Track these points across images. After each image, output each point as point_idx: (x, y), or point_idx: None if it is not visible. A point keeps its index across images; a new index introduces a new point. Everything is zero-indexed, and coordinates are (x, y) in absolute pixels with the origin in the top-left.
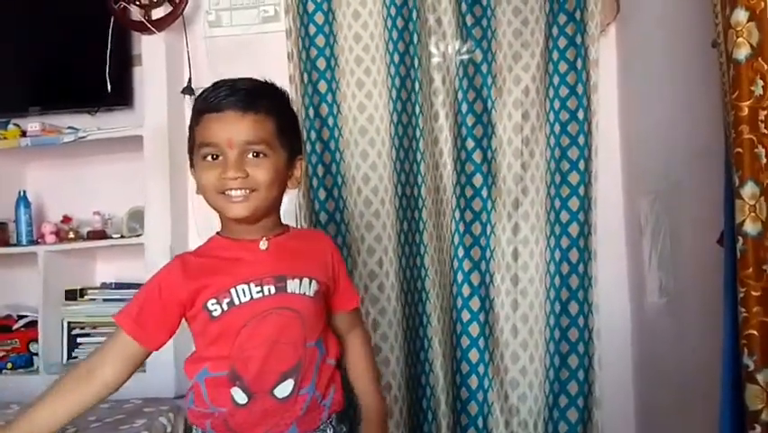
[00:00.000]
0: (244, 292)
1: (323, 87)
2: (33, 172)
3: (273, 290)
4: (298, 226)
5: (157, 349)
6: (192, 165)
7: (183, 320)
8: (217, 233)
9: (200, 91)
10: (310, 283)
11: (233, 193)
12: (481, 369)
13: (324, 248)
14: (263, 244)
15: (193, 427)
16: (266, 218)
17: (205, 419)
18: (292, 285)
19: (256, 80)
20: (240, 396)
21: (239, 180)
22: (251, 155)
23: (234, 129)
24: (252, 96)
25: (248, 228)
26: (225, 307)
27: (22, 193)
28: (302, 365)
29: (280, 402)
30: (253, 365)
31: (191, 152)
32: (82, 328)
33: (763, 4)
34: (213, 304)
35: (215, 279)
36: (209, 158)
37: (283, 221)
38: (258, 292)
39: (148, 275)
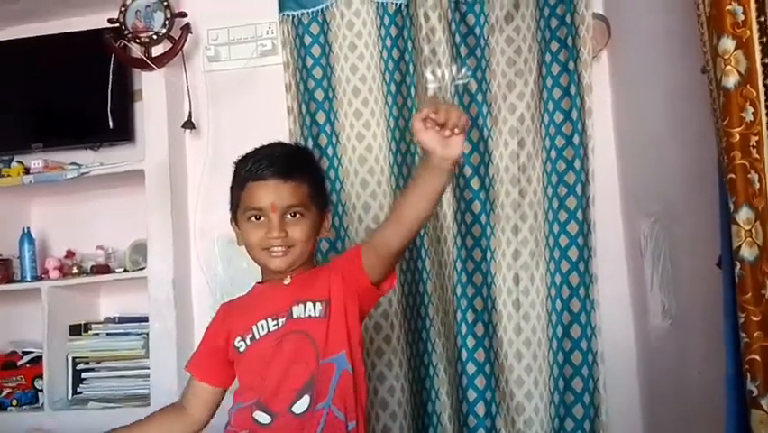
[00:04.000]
0: (263, 327)
1: (321, 117)
2: (37, 208)
3: (284, 320)
4: None
5: (229, 386)
6: (235, 220)
7: None
8: (257, 282)
9: (241, 157)
10: (314, 305)
11: (275, 250)
12: (489, 395)
13: (322, 271)
14: (287, 280)
15: None
16: (301, 266)
17: None
18: (297, 310)
19: (288, 146)
20: (262, 418)
21: (280, 240)
22: (289, 216)
23: (276, 195)
24: (290, 164)
25: (283, 274)
26: (248, 342)
27: (26, 230)
28: (316, 381)
29: (298, 418)
30: (271, 388)
31: (235, 210)
32: (87, 363)
33: (749, 32)
34: (239, 341)
35: (242, 319)
36: (253, 219)
37: None
38: (273, 325)
39: (151, 308)
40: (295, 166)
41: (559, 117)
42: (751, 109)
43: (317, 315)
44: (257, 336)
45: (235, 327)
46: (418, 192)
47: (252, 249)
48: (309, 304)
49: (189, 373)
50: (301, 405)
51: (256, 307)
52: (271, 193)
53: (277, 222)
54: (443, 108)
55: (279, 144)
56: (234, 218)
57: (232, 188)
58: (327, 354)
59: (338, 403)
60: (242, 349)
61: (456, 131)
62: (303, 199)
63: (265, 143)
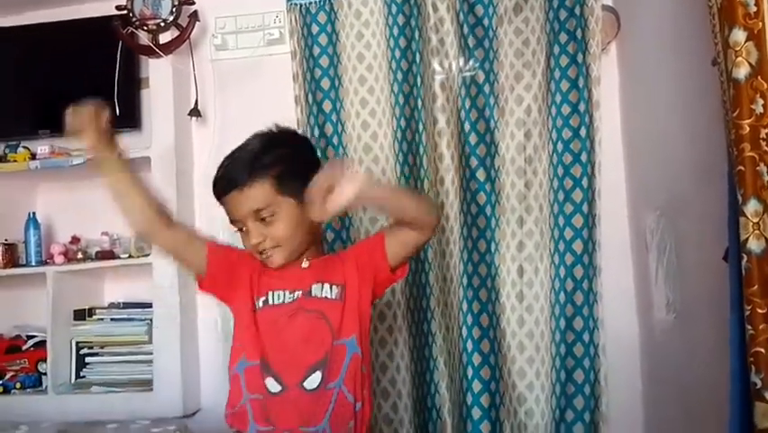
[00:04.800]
0: (278, 297)
1: (327, 106)
2: (43, 194)
3: (300, 295)
4: None
5: (201, 276)
6: None
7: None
8: None
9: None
10: (331, 288)
11: (263, 254)
12: (493, 386)
13: (336, 258)
14: (305, 263)
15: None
16: (307, 252)
17: (246, 417)
18: (315, 289)
19: (249, 143)
20: (273, 385)
21: (260, 244)
22: (261, 219)
23: (239, 206)
24: (242, 171)
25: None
26: (261, 304)
27: (31, 215)
28: (329, 360)
29: (310, 394)
30: (282, 360)
31: None
32: (90, 348)
33: (761, 24)
34: (256, 298)
35: (263, 280)
36: (239, 230)
37: None
38: (289, 298)
39: (155, 294)
40: (249, 170)
41: (566, 109)
42: (761, 101)
43: (333, 297)
44: (270, 303)
45: (258, 284)
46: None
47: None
48: (327, 285)
49: (207, 244)
50: (312, 381)
51: (274, 275)
52: (234, 206)
53: (251, 231)
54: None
55: (237, 149)
56: None
57: None
58: (340, 335)
59: (348, 385)
60: (259, 305)
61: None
62: (268, 199)
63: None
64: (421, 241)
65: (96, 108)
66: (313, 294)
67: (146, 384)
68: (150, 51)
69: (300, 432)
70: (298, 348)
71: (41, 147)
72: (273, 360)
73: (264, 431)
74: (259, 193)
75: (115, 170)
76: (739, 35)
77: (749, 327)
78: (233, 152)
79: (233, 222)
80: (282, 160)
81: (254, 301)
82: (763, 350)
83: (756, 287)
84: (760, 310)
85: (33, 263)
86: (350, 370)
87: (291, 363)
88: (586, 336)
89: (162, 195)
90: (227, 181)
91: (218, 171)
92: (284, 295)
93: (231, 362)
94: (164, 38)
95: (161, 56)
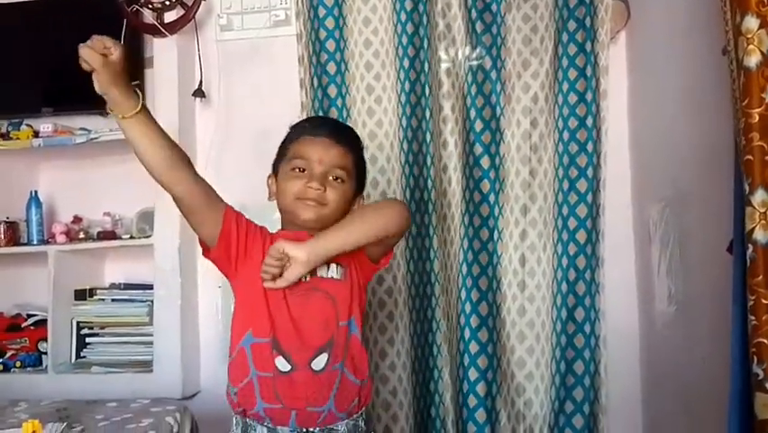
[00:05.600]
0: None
1: (332, 91)
2: (45, 172)
3: (308, 276)
4: None
5: (210, 240)
6: (275, 171)
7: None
8: (281, 229)
9: (303, 119)
10: (337, 268)
11: (309, 201)
12: (490, 375)
13: None
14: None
15: (235, 417)
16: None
17: (253, 396)
18: (321, 270)
19: (339, 122)
20: (283, 364)
21: (318, 193)
22: (331, 177)
23: (326, 152)
24: (343, 131)
25: (304, 229)
26: None
27: (33, 193)
28: (334, 342)
29: (317, 374)
30: (290, 339)
31: (278, 162)
32: (91, 328)
33: None
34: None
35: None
36: (297, 170)
37: None
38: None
39: (157, 275)
40: (347, 135)
41: (573, 98)
42: None
43: (339, 277)
44: None
45: (259, 263)
46: None
47: (287, 197)
48: (333, 265)
49: (226, 206)
50: (319, 362)
51: None
52: (322, 149)
53: (320, 175)
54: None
55: (332, 119)
56: (275, 170)
57: (283, 144)
58: (344, 317)
59: (349, 366)
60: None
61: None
62: (347, 166)
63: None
64: (396, 239)
65: (109, 43)
66: (318, 274)
67: (146, 366)
68: (154, 30)
69: (307, 412)
70: (308, 329)
71: (44, 125)
72: (283, 338)
73: (272, 408)
74: (346, 156)
75: (130, 109)
76: (752, 23)
77: (752, 318)
78: (329, 117)
79: (300, 158)
80: (361, 150)
81: (262, 278)
82: (765, 341)
83: (761, 277)
84: (764, 301)
85: (35, 242)
86: (350, 350)
87: (301, 342)
88: (587, 327)
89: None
90: (329, 128)
91: (316, 118)
92: None
93: (234, 336)
94: (169, 17)
95: (166, 35)
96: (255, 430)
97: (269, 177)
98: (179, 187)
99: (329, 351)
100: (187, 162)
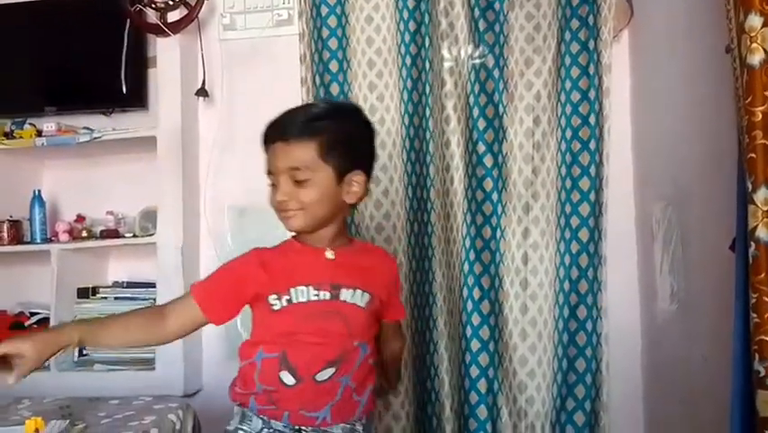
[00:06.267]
0: (303, 293)
1: (335, 89)
2: (48, 171)
3: (328, 296)
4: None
5: (217, 324)
6: None
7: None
8: (293, 237)
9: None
10: (362, 295)
11: (285, 212)
12: (491, 372)
13: (388, 268)
14: (330, 254)
15: (235, 407)
16: (325, 229)
17: (249, 396)
18: (345, 294)
19: (307, 106)
20: (288, 378)
21: (284, 203)
22: (293, 180)
23: (277, 157)
24: (294, 125)
25: (312, 237)
26: (285, 303)
27: (36, 192)
28: (344, 359)
29: (319, 384)
30: (300, 355)
31: None
32: None
33: None
34: (274, 299)
35: (282, 277)
36: (271, 184)
37: None
38: (314, 295)
39: (159, 274)
40: (300, 126)
41: (576, 96)
42: None
43: (362, 305)
44: (294, 300)
45: (272, 283)
46: None
47: (274, 211)
48: (359, 292)
49: (194, 296)
50: (324, 374)
51: (295, 269)
52: (274, 156)
53: (281, 185)
54: None
55: (300, 106)
56: None
57: None
58: (356, 338)
59: (356, 380)
60: (276, 307)
61: None
62: (307, 160)
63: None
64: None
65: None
66: (341, 299)
67: (148, 364)
68: (157, 30)
69: (300, 415)
70: (318, 347)
71: (48, 124)
72: (292, 355)
73: (264, 409)
74: (301, 152)
75: (71, 343)
76: (755, 21)
77: (754, 315)
78: (295, 107)
79: (269, 173)
80: (338, 130)
81: (270, 302)
82: (767, 338)
83: (763, 275)
84: (767, 298)
85: (38, 241)
86: (360, 367)
87: (309, 359)
88: (589, 325)
89: (168, 182)
90: (276, 130)
91: (274, 118)
92: (308, 292)
93: (246, 352)
94: (172, 16)
95: (169, 35)
96: (251, 421)
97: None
98: (171, 337)
99: (337, 366)
100: (155, 318)
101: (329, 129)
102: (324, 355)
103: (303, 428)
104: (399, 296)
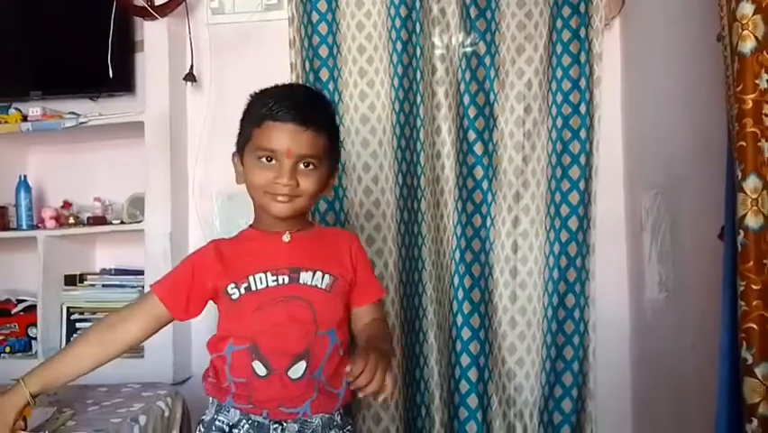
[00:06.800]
0: (261, 280)
1: (324, 74)
2: (34, 157)
3: (287, 280)
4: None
5: (181, 319)
6: (240, 155)
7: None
8: (250, 225)
9: (260, 92)
10: (323, 277)
11: (280, 196)
12: (482, 361)
13: (343, 245)
14: (286, 237)
15: (211, 398)
16: (298, 222)
17: (227, 392)
18: (305, 276)
19: (311, 91)
20: (260, 369)
21: (289, 187)
22: (302, 165)
23: (294, 141)
24: (311, 112)
25: (278, 222)
26: (242, 291)
27: (22, 178)
28: (312, 351)
29: (294, 382)
30: (269, 344)
31: (243, 145)
32: (81, 314)
33: None
34: (232, 288)
35: (238, 266)
36: (264, 159)
37: None
38: (273, 281)
39: (147, 261)
40: (316, 114)
41: (567, 85)
42: (765, 76)
43: (323, 287)
44: (253, 288)
45: (228, 272)
46: None
47: (255, 190)
48: (319, 273)
49: (156, 293)
50: (297, 370)
51: (252, 255)
52: (289, 138)
53: (289, 169)
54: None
55: (302, 87)
56: (240, 153)
57: (244, 121)
58: (323, 327)
59: (326, 373)
60: (234, 297)
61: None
62: (319, 151)
63: (285, 84)
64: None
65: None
66: (302, 281)
67: (137, 351)
68: (145, 13)
69: (279, 411)
70: (287, 335)
71: (33, 109)
72: (262, 344)
73: (243, 408)
74: (317, 141)
75: (41, 387)
76: (747, 8)
77: (742, 303)
78: (297, 86)
79: (266, 150)
80: (333, 121)
81: (229, 292)
82: (755, 326)
83: (752, 263)
84: (755, 286)
85: (24, 227)
86: (330, 359)
87: (279, 348)
88: (577, 313)
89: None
90: (296, 111)
91: (280, 94)
92: (266, 278)
93: (215, 346)
94: (159, 0)
95: (157, 18)
96: (228, 412)
97: (233, 155)
98: (135, 341)
99: (306, 359)
100: (115, 325)
101: (333, 123)
102: (289, 348)
103: (284, 421)
104: (372, 273)
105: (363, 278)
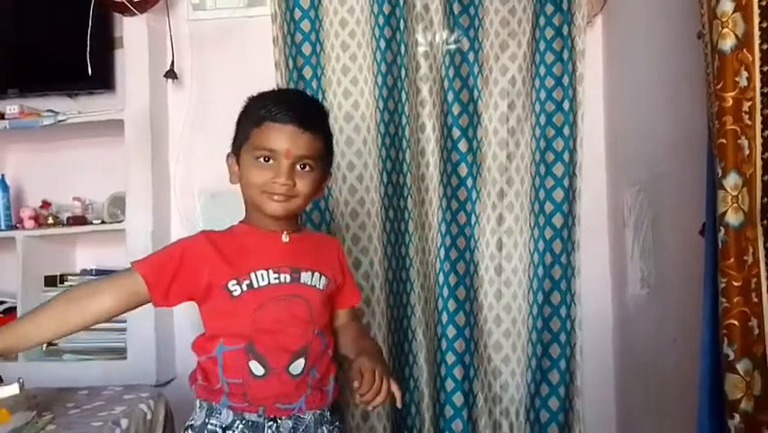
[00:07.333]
0: (263, 277)
1: (308, 72)
2: (12, 156)
3: (288, 279)
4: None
5: (157, 304)
6: (235, 154)
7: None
8: (241, 221)
9: (258, 95)
10: (320, 277)
11: (277, 195)
12: (467, 359)
13: (333, 249)
14: (285, 237)
15: (199, 400)
16: (292, 223)
17: (220, 393)
18: (305, 276)
19: (308, 97)
20: (257, 368)
21: (286, 187)
22: (299, 167)
23: (293, 142)
24: (310, 115)
25: (273, 222)
26: (245, 288)
27: (0, 177)
28: (309, 348)
29: (294, 378)
30: (268, 343)
31: (240, 145)
32: None
33: None
34: (233, 285)
35: (238, 261)
36: (262, 159)
37: None
38: (275, 279)
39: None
40: (314, 118)
41: (550, 82)
42: (745, 74)
43: (320, 287)
44: (255, 285)
45: (229, 267)
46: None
47: (251, 189)
48: (317, 274)
49: (138, 270)
50: (297, 367)
51: (250, 252)
52: (288, 139)
53: (287, 169)
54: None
55: (299, 92)
56: (236, 153)
57: (241, 122)
58: (318, 325)
59: (320, 371)
60: (236, 293)
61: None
62: (316, 153)
63: (282, 88)
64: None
65: None
66: (302, 281)
67: (119, 352)
68: (124, 9)
69: (275, 408)
70: (285, 332)
71: (10, 107)
72: (259, 342)
73: (238, 406)
74: (314, 144)
75: (7, 344)
76: (727, 6)
77: (723, 300)
78: (295, 92)
79: (264, 149)
80: (328, 126)
81: (230, 289)
82: (736, 322)
83: (732, 260)
84: (735, 283)
85: (3, 227)
86: (323, 358)
87: (278, 346)
88: (563, 311)
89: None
90: (295, 113)
91: (279, 97)
92: (268, 275)
93: (203, 347)
94: None
95: (136, 14)
96: (220, 414)
97: (228, 156)
98: (107, 315)
99: (305, 356)
100: (90, 294)
101: (327, 128)
102: (289, 346)
103: (279, 417)
104: (353, 280)
105: (348, 282)
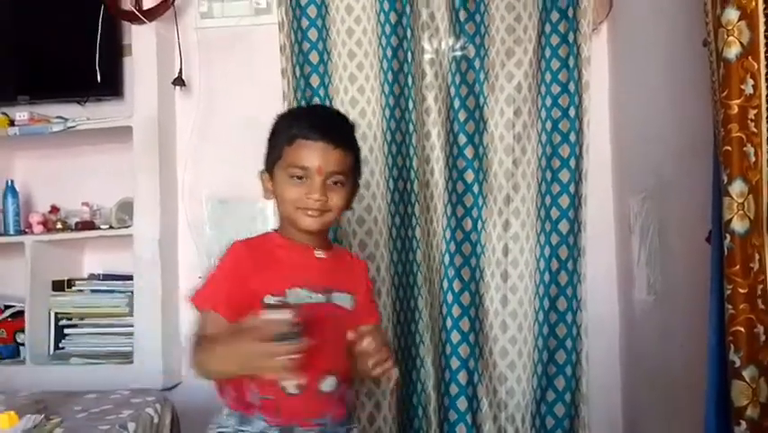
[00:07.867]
0: (297, 295)
1: (315, 80)
2: (21, 161)
3: (322, 299)
4: None
5: (230, 321)
6: (268, 171)
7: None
8: (275, 229)
9: (287, 112)
10: (350, 299)
11: (310, 211)
12: (471, 364)
13: (361, 271)
14: (319, 253)
15: (228, 409)
16: (325, 237)
17: (252, 407)
18: (337, 297)
19: (339, 113)
20: (290, 387)
21: (320, 203)
22: (331, 182)
23: (325, 159)
24: (341, 132)
25: (307, 236)
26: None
27: (9, 183)
28: (340, 366)
29: (325, 395)
30: (304, 363)
31: (272, 162)
32: (69, 319)
33: (754, 3)
34: (269, 296)
35: (274, 275)
36: (296, 177)
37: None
38: (308, 297)
39: (136, 266)
40: (344, 135)
41: (556, 89)
42: (751, 82)
43: (349, 308)
44: (289, 302)
45: (267, 281)
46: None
47: (286, 205)
48: (346, 295)
49: (215, 311)
50: (328, 384)
51: (284, 266)
52: (320, 156)
53: (320, 185)
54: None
55: (328, 109)
56: (269, 170)
57: (272, 139)
58: (346, 344)
59: (346, 385)
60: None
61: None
62: (346, 169)
63: (311, 105)
64: None
65: None
66: (335, 301)
67: (126, 357)
68: (133, 17)
69: (306, 421)
70: (318, 351)
71: (20, 113)
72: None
73: (272, 420)
74: (345, 160)
75: None
76: (732, 14)
77: (729, 307)
78: (325, 108)
79: (297, 167)
80: (358, 145)
81: (266, 303)
82: (742, 329)
83: (738, 267)
84: (741, 290)
85: (12, 232)
86: (347, 375)
87: (311, 365)
88: (569, 317)
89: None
90: (326, 130)
91: (311, 114)
92: (301, 294)
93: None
94: (148, 3)
95: (145, 22)
96: (252, 424)
97: (261, 173)
98: None
99: (336, 374)
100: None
101: (356, 144)
102: (322, 364)
103: (309, 429)
104: (374, 300)
105: (369, 302)
